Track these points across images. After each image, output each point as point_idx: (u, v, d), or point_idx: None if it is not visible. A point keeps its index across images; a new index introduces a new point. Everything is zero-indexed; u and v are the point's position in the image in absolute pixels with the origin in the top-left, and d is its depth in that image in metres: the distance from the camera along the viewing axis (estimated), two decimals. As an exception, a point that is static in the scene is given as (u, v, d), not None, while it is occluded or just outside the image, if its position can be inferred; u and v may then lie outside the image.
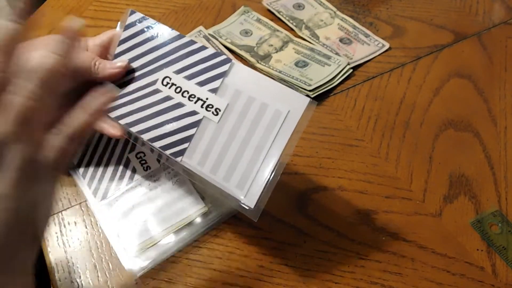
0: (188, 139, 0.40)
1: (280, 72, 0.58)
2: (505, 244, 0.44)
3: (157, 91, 0.41)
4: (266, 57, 0.60)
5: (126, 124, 0.42)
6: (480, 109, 0.56)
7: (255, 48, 0.61)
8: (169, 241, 0.42)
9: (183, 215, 0.42)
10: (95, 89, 0.41)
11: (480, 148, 0.52)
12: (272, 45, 0.61)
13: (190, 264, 0.42)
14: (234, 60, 0.40)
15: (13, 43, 0.28)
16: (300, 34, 0.63)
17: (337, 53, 0.61)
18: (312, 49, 0.61)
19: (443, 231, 0.45)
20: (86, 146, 0.49)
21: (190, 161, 0.39)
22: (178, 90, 0.41)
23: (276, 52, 0.61)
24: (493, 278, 0.42)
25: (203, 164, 0.39)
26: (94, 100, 0.33)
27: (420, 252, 0.44)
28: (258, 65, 0.59)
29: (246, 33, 0.63)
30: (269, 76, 0.58)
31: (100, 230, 0.44)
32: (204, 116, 0.40)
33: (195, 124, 0.40)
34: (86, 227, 0.45)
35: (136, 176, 0.47)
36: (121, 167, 0.48)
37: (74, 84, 0.42)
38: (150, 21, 0.43)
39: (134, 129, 0.41)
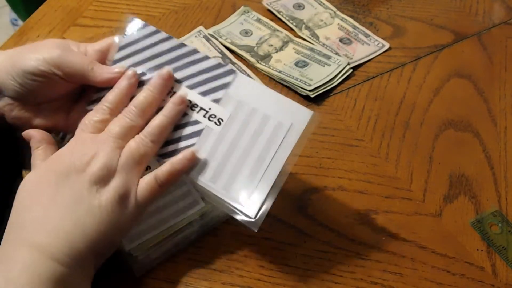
0: (189, 147, 0.39)
1: (280, 72, 0.58)
2: (505, 244, 0.44)
3: None
4: (266, 57, 0.60)
5: None
6: (480, 109, 0.56)
7: (255, 48, 0.61)
8: (169, 241, 0.42)
9: (183, 215, 0.42)
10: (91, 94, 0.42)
11: (480, 148, 0.52)
12: (272, 45, 0.61)
13: (190, 264, 0.42)
14: (238, 72, 0.40)
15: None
16: (300, 34, 0.63)
17: (337, 53, 0.61)
18: (312, 49, 0.61)
19: (443, 231, 0.45)
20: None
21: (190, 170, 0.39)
22: None
23: (276, 52, 0.61)
24: (493, 278, 0.42)
25: (203, 173, 0.39)
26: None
27: (420, 252, 0.44)
28: (258, 65, 0.59)
29: (246, 33, 0.63)
30: (269, 76, 0.58)
31: (100, 230, 0.44)
32: (206, 126, 0.40)
33: (197, 133, 0.40)
34: (86, 227, 0.45)
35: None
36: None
37: (72, 88, 0.42)
38: (151, 28, 0.42)
39: None
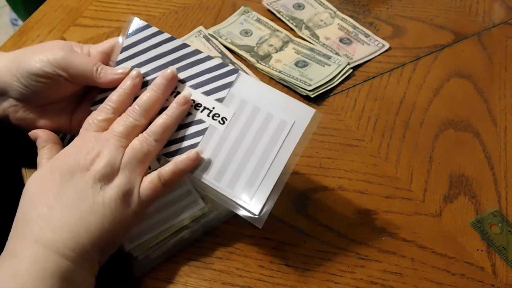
0: (193, 146, 0.40)
1: (280, 72, 0.58)
2: (505, 244, 0.44)
3: None
4: (266, 57, 0.60)
5: None
6: (480, 109, 0.56)
7: (255, 48, 0.61)
8: (169, 241, 0.42)
9: (183, 215, 0.42)
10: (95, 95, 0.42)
11: (480, 148, 0.52)
12: (272, 45, 0.61)
13: (190, 264, 0.42)
14: (241, 71, 0.41)
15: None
16: (300, 34, 0.63)
17: (337, 53, 0.61)
18: (312, 49, 0.61)
19: (443, 231, 0.45)
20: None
21: (195, 169, 0.40)
22: None
23: (276, 52, 0.61)
24: (493, 278, 0.42)
25: (208, 172, 0.39)
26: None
27: (420, 252, 0.44)
28: (258, 65, 0.59)
29: (246, 33, 0.63)
30: (269, 76, 0.58)
31: (100, 230, 0.44)
32: (210, 125, 0.40)
33: (201, 132, 0.40)
34: (86, 227, 0.45)
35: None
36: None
37: (75, 89, 0.42)
38: (153, 29, 0.43)
39: None
